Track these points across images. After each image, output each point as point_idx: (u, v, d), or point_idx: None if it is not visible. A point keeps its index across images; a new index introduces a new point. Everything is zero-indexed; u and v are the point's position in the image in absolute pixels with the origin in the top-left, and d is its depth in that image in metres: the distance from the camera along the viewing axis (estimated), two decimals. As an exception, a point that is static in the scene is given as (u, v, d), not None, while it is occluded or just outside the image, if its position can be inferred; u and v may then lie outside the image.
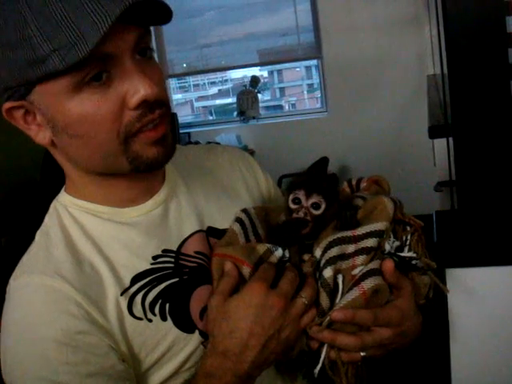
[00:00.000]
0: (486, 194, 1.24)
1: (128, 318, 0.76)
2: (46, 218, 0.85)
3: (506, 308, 1.16)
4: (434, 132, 1.86)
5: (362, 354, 0.77)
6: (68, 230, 0.81)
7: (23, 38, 0.66)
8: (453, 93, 1.21)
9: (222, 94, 5.84)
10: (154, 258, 0.81)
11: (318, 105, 4.73)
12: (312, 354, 0.78)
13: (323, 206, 0.82)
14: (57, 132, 0.74)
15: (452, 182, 1.87)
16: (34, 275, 0.76)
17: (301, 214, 0.81)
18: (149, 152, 0.75)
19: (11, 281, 0.78)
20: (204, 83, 5.78)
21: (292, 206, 0.83)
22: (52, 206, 0.86)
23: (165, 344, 0.78)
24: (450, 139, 1.83)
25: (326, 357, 0.77)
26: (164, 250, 0.82)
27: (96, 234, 0.81)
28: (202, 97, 5.81)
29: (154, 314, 0.78)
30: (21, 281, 0.77)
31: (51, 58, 0.66)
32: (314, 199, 0.82)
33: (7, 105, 0.73)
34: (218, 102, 5.82)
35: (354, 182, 0.96)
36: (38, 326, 0.73)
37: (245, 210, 0.88)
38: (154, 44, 3.38)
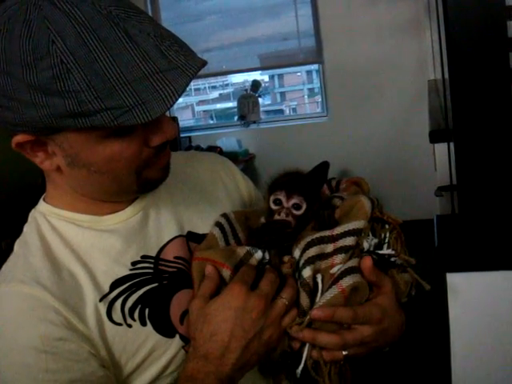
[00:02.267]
0: (487, 199, 1.24)
1: (107, 324, 0.76)
2: (25, 228, 0.85)
3: (506, 312, 1.16)
4: (435, 136, 1.86)
5: (343, 352, 0.76)
6: (46, 238, 0.81)
7: (66, 89, 0.65)
8: (454, 97, 1.21)
9: (222, 98, 5.84)
10: (133, 263, 0.81)
11: (319, 109, 4.74)
12: (294, 354, 0.78)
13: (304, 207, 0.83)
14: (74, 165, 0.75)
15: (453, 186, 1.87)
16: (12, 284, 0.76)
17: (283, 215, 0.82)
18: (157, 175, 0.81)
19: None
20: (205, 87, 5.79)
21: (273, 207, 0.84)
22: (31, 215, 0.86)
23: (145, 349, 0.78)
24: (451, 144, 1.84)
25: (308, 357, 0.77)
26: (143, 256, 0.82)
27: (75, 242, 0.81)
28: (202, 101, 5.82)
29: (134, 320, 0.78)
30: None
31: (100, 114, 0.66)
32: (294, 200, 0.83)
33: (21, 138, 0.72)
34: (219, 106, 5.82)
35: (333, 184, 0.97)
36: (17, 334, 0.73)
37: (224, 215, 0.89)
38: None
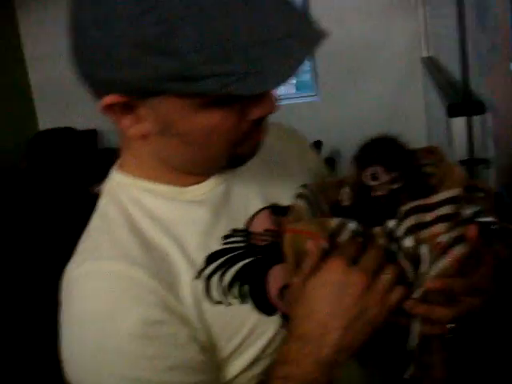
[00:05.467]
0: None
1: (205, 303, 0.71)
2: (102, 200, 0.79)
3: None
4: (454, 111, 1.85)
5: (450, 325, 0.72)
6: (129, 211, 0.75)
7: (173, 49, 0.58)
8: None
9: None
10: (225, 237, 0.76)
11: (307, 90, 4.71)
12: (398, 331, 0.74)
13: (401, 179, 0.79)
14: (166, 133, 0.69)
15: (473, 160, 1.88)
16: (100, 261, 0.70)
17: (383, 192, 0.79)
18: (248, 152, 0.75)
19: (72, 269, 0.71)
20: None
21: (370, 182, 0.80)
22: (106, 187, 0.80)
23: (245, 329, 0.72)
24: (474, 117, 1.83)
25: (420, 332, 0.73)
26: (233, 230, 0.78)
27: (160, 214, 0.75)
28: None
29: (233, 297, 0.73)
30: (85, 268, 0.70)
31: (208, 80, 0.59)
32: (392, 174, 0.79)
33: (111, 99, 0.66)
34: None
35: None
36: (111, 316, 0.66)
37: (306, 186, 0.85)
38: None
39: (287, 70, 0.61)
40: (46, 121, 4.50)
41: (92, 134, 4.20)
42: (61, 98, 4.37)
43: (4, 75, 4.19)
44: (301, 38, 0.62)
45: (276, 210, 0.84)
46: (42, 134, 4.27)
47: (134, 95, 0.65)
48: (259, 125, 0.73)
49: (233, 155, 0.73)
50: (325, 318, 0.69)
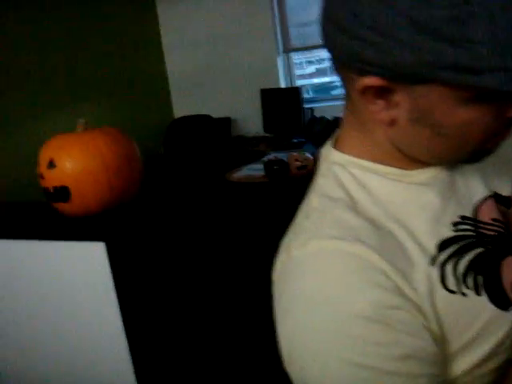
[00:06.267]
0: None
1: (440, 292, 0.68)
2: (320, 180, 0.78)
3: None
4: None
5: None
6: (350, 191, 0.74)
7: (462, 37, 0.55)
8: None
9: (319, 72, 5.75)
10: (454, 224, 0.73)
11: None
12: None
13: None
14: (418, 123, 0.67)
15: None
16: (327, 241, 0.68)
17: None
18: (492, 148, 0.72)
19: (293, 249, 0.71)
20: (301, 62, 5.72)
21: None
22: (323, 166, 0.79)
23: (479, 322, 0.68)
24: None
25: None
26: (462, 217, 0.74)
27: (384, 196, 0.73)
28: (299, 75, 5.75)
29: (468, 288, 0.69)
30: (311, 247, 0.69)
31: (492, 74, 0.56)
32: None
33: (371, 81, 0.64)
34: (316, 80, 5.74)
35: None
36: (342, 298, 0.64)
37: None
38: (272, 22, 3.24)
39: None
40: (180, 109, 4.62)
41: (226, 122, 4.27)
42: (195, 87, 4.47)
43: (143, 63, 4.32)
44: None
45: (498, 199, 0.81)
46: (179, 120, 4.38)
47: (398, 80, 0.63)
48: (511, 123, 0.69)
49: (477, 151, 0.71)
50: None
